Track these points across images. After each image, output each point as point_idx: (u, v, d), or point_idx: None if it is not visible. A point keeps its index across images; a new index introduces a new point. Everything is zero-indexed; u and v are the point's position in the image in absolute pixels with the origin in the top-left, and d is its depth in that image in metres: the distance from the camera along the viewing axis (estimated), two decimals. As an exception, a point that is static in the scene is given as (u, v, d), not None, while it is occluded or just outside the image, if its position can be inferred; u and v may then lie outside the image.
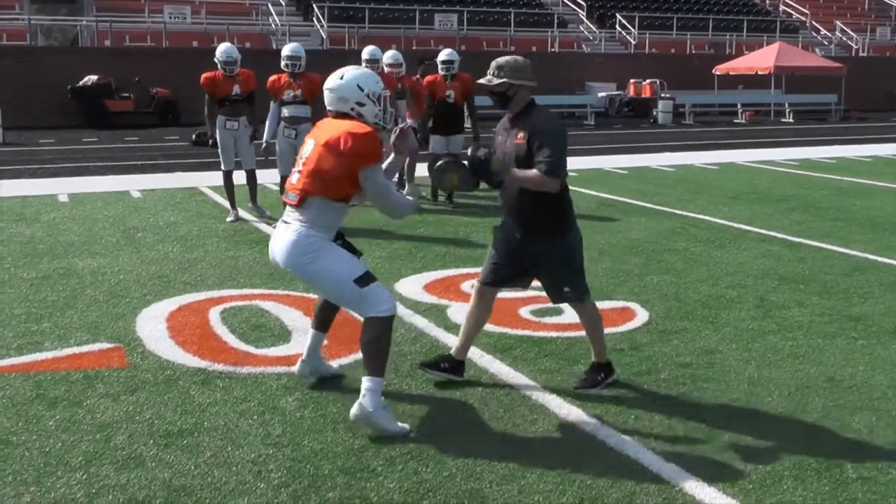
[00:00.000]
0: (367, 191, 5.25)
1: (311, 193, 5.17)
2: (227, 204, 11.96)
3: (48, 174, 16.74)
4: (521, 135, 5.49)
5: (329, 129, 5.26)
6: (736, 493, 4.43)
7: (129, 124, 26.98)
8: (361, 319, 5.30)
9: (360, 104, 5.31)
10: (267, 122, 11.55)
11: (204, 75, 11.57)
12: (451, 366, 5.94)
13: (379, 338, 5.16)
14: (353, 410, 5.07)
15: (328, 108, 5.39)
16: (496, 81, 5.55)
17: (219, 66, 11.50)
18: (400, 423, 5.13)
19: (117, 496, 4.37)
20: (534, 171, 5.38)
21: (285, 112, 11.45)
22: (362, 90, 5.32)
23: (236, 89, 11.46)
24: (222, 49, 11.64)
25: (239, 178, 11.73)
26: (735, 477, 4.58)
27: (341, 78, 5.34)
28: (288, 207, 5.32)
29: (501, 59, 5.61)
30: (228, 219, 11.63)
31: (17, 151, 21.07)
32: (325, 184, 5.15)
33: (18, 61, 27.86)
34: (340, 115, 5.32)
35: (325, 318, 5.83)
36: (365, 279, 5.23)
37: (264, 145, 11.55)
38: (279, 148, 11.49)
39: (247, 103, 11.58)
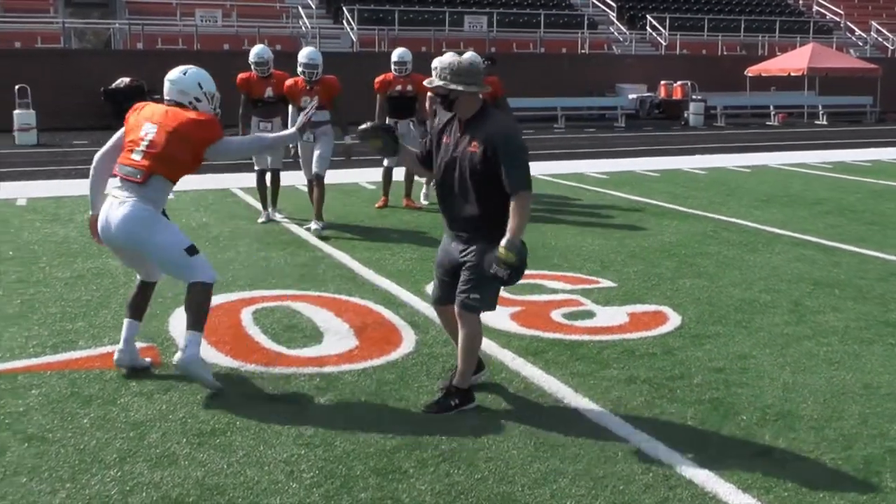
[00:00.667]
0: (219, 159, 6.26)
1: (156, 173, 5.74)
2: (258, 205, 12.01)
3: (81, 175, 16.80)
4: (474, 143, 5.21)
5: (174, 117, 5.82)
6: (771, 500, 4.39)
7: (161, 125, 27.12)
8: (398, 325, 5.29)
9: (197, 100, 5.98)
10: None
11: (240, 76, 11.65)
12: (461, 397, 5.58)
13: (202, 302, 5.80)
14: (176, 358, 5.67)
15: (166, 97, 6.00)
16: (435, 83, 5.28)
17: (252, 67, 11.59)
18: (215, 379, 5.72)
19: (151, 494, 4.39)
20: (514, 208, 5.10)
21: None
22: (201, 88, 6.00)
23: (269, 91, 11.50)
24: (255, 51, 11.72)
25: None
26: (770, 484, 4.54)
27: (184, 73, 6.01)
28: (122, 183, 5.82)
29: (444, 59, 5.28)
30: (260, 220, 11.66)
31: (51, 152, 21.26)
32: (171, 166, 5.79)
33: (52, 64, 28.10)
34: (178, 105, 5.93)
35: (137, 306, 6.19)
36: (193, 249, 5.83)
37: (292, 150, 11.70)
38: (301, 153, 11.46)
39: (283, 103, 11.63)
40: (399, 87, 12.57)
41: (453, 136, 5.38)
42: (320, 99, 10.94)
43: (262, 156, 11.58)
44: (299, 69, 11.20)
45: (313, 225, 11.03)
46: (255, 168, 11.76)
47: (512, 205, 5.13)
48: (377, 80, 12.70)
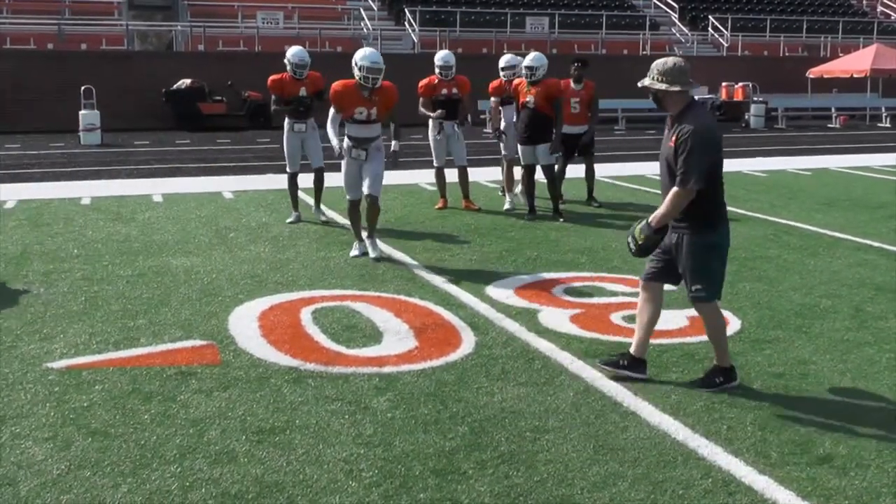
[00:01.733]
0: None
1: None
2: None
3: (143, 175, 17.13)
4: (672, 138, 5.63)
5: None
6: (832, 506, 4.35)
7: (221, 127, 27.47)
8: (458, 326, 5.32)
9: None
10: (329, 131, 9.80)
11: (270, 78, 11.58)
12: (630, 362, 6.05)
13: None
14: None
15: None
16: (645, 82, 5.71)
17: (289, 67, 11.44)
18: None
19: (210, 490, 4.45)
20: (669, 196, 5.60)
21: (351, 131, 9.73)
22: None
23: (302, 91, 11.38)
24: (294, 51, 11.54)
25: (306, 181, 11.87)
26: (831, 492, 4.49)
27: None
28: None
29: (658, 61, 5.72)
30: (289, 220, 11.68)
31: (113, 152, 21.60)
32: None
33: (116, 66, 28.55)
34: None
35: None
36: None
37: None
38: (346, 169, 9.73)
39: (318, 99, 11.46)
40: (445, 91, 12.57)
41: (666, 133, 5.81)
42: (378, 111, 9.58)
43: (294, 159, 11.56)
44: (358, 73, 9.41)
45: (371, 252, 9.64)
46: (288, 171, 11.68)
47: (670, 193, 5.60)
48: (421, 83, 12.68)
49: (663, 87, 5.64)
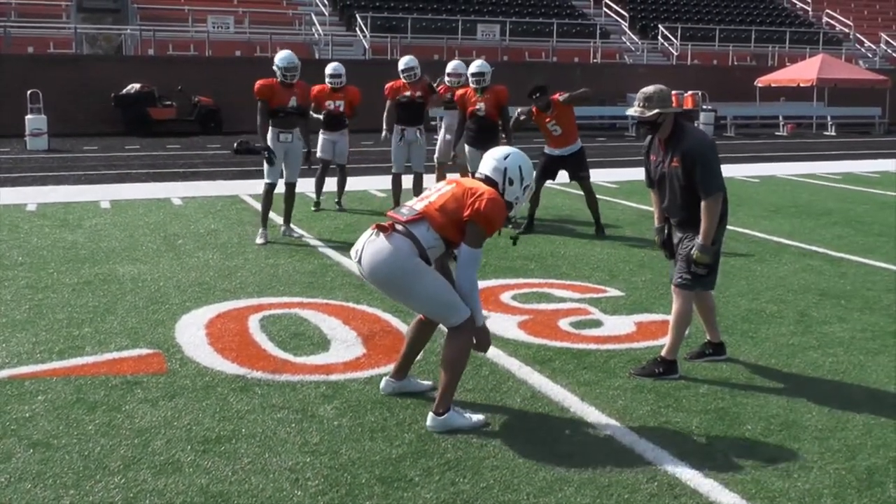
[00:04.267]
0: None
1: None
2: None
3: (91, 181, 16.93)
4: (675, 158, 6.10)
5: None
6: (775, 509, 4.39)
7: (171, 132, 27.23)
8: (403, 331, 5.30)
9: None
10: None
11: (259, 83, 10.88)
12: (714, 349, 6.62)
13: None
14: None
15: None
16: (648, 113, 6.06)
17: (278, 73, 10.89)
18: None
19: (155, 501, 4.40)
20: (704, 211, 6.08)
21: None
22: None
23: (293, 101, 10.88)
24: (284, 56, 11.01)
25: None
26: (775, 494, 4.54)
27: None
28: None
29: (649, 90, 6.10)
30: (258, 241, 10.76)
31: (61, 158, 21.32)
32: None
33: (64, 69, 28.21)
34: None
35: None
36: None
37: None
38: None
39: (302, 116, 11.16)
40: (408, 94, 12.61)
41: (658, 155, 6.30)
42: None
43: (275, 169, 10.86)
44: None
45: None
46: (266, 180, 10.90)
47: (703, 207, 6.09)
48: (387, 86, 12.77)
49: (668, 111, 6.08)
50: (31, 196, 14.46)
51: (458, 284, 5.37)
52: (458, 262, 5.36)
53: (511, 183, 5.54)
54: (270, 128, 10.86)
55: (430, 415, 5.29)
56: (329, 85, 13.01)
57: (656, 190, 6.45)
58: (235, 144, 22.30)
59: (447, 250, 5.49)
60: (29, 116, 23.59)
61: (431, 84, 13.03)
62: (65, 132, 25.36)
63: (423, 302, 5.40)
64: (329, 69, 13.12)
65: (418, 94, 12.60)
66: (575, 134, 11.79)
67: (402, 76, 12.70)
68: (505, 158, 5.57)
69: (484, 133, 11.76)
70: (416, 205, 5.46)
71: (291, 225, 11.39)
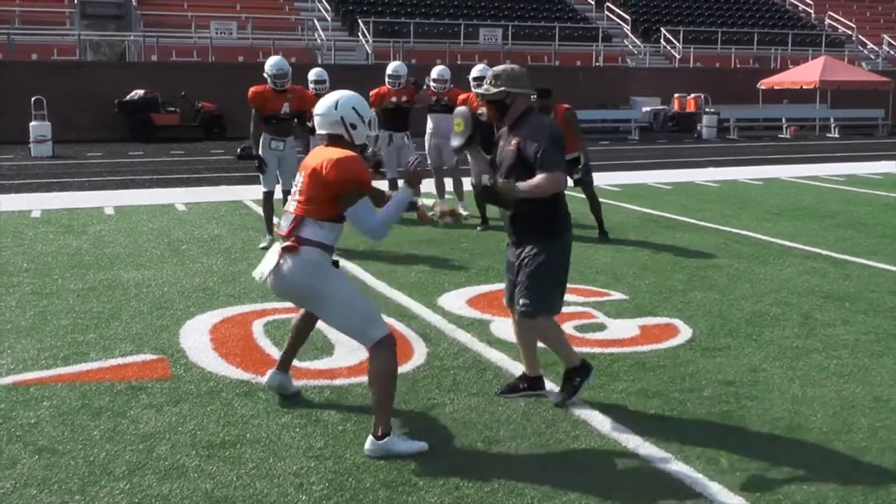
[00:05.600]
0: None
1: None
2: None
3: (95, 187, 16.96)
4: (514, 141, 5.52)
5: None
6: (780, 512, 4.39)
7: (174, 138, 27.29)
8: (409, 337, 5.29)
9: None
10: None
11: (252, 90, 10.95)
12: (530, 384, 5.95)
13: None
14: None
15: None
16: (493, 90, 5.56)
17: (268, 80, 10.82)
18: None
19: (160, 507, 4.41)
20: (538, 177, 5.39)
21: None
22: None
23: (286, 107, 10.83)
24: (273, 62, 10.94)
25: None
26: (779, 497, 4.53)
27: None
28: None
29: (499, 68, 5.63)
30: (262, 244, 10.80)
31: (65, 164, 21.37)
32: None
33: (68, 76, 28.27)
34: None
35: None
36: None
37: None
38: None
39: (299, 122, 11.12)
40: (394, 100, 12.66)
41: (502, 140, 5.72)
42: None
43: (270, 177, 10.89)
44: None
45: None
46: (263, 189, 10.96)
47: (538, 175, 5.39)
48: (372, 92, 12.77)
49: (518, 90, 5.56)
50: (35, 202, 14.48)
51: (379, 233, 5.27)
52: (363, 229, 5.27)
53: (354, 127, 5.33)
54: (264, 135, 10.83)
55: (370, 437, 5.03)
56: (314, 91, 12.90)
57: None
58: (238, 150, 22.31)
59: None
60: (33, 123, 23.66)
61: (418, 81, 13.06)
62: (69, 139, 25.42)
63: (339, 317, 5.22)
64: (313, 75, 13.02)
65: (404, 98, 12.68)
66: (573, 146, 11.41)
67: (387, 81, 12.77)
68: (336, 108, 5.31)
69: (484, 139, 11.67)
70: (290, 209, 5.31)
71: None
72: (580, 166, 11.29)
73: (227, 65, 30.32)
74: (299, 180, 5.32)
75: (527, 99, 5.65)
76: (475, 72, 12.01)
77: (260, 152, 10.83)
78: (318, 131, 5.40)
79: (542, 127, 5.56)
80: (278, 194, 10.91)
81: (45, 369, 6.40)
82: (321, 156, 5.21)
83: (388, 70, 12.87)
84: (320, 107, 5.36)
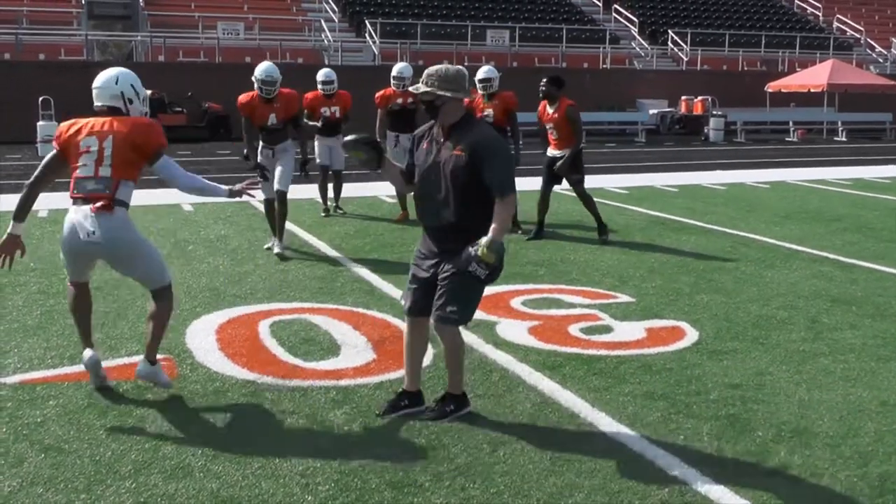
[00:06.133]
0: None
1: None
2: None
3: (102, 186, 16.92)
4: (459, 147, 5.25)
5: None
6: (786, 516, 4.39)
7: (181, 138, 27.28)
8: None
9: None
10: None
11: (240, 99, 10.51)
12: (411, 400, 5.70)
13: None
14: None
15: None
16: (423, 89, 5.32)
17: (255, 85, 10.32)
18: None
19: (166, 506, 4.42)
20: (499, 210, 5.19)
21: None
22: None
23: (272, 119, 10.34)
24: (262, 68, 10.34)
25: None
26: (785, 501, 4.52)
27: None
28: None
29: (432, 68, 5.37)
30: (266, 245, 10.66)
31: (72, 164, 21.35)
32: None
33: (75, 76, 28.26)
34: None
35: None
36: None
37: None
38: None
39: (294, 126, 10.73)
40: (400, 101, 12.67)
41: (434, 143, 5.40)
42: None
43: (268, 184, 10.34)
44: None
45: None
46: (263, 197, 10.48)
47: (497, 206, 5.21)
48: (378, 94, 12.83)
49: (448, 94, 5.27)
50: (42, 202, 14.40)
51: (192, 186, 6.15)
52: (175, 179, 6.11)
53: (131, 101, 6.01)
54: (261, 144, 10.55)
55: (143, 360, 5.88)
56: (322, 92, 13.04)
57: (414, 184, 5.56)
58: (245, 150, 22.40)
59: None
60: (40, 123, 23.71)
61: None
62: (76, 138, 25.37)
63: (146, 268, 5.98)
64: (321, 76, 13.14)
65: (410, 100, 12.66)
66: (571, 141, 11.37)
67: (392, 83, 12.77)
68: (116, 82, 5.97)
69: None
70: (101, 172, 5.83)
71: (284, 242, 10.60)
72: (561, 160, 11.29)
73: (234, 65, 30.30)
74: (96, 146, 5.84)
75: (458, 103, 5.34)
76: (481, 73, 11.98)
77: (259, 160, 10.52)
78: (97, 103, 5.96)
79: (492, 142, 5.30)
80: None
81: (52, 368, 6.42)
82: (123, 124, 5.83)
83: (394, 72, 12.87)
84: (99, 80, 5.96)
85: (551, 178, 11.63)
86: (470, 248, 5.15)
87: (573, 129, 11.29)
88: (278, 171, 10.48)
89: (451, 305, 5.33)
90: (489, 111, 11.68)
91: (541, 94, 11.38)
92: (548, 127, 11.47)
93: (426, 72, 5.36)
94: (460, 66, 5.50)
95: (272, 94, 10.31)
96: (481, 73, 12.01)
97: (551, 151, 11.56)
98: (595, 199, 11.90)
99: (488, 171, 5.19)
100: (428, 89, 5.29)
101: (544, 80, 11.39)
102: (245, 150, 10.96)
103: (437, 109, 5.33)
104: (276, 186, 10.41)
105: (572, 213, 13.56)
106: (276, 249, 10.35)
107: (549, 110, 11.39)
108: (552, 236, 11.73)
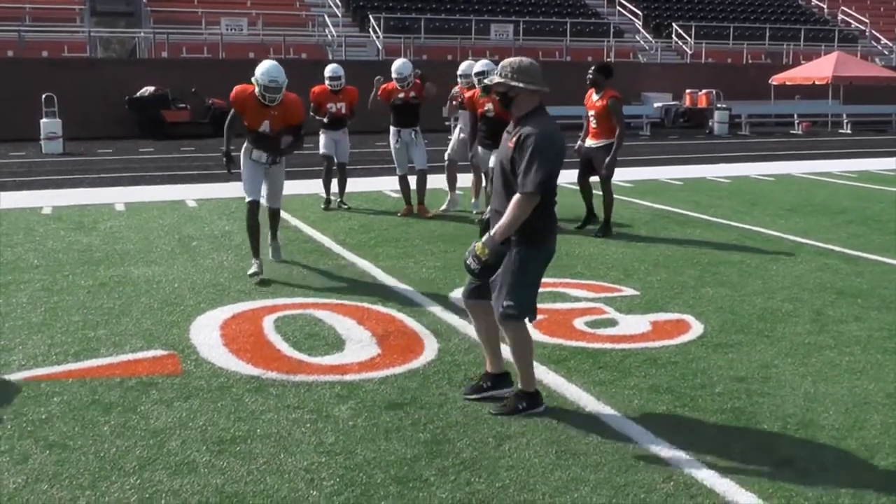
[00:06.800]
0: None
1: None
2: (282, 214, 11.91)
3: (106, 183, 16.98)
4: (512, 140, 5.32)
5: None
6: (793, 509, 4.37)
7: (185, 134, 27.30)
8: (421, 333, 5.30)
9: None
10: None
11: (235, 91, 9.12)
12: (494, 382, 5.83)
13: None
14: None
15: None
16: (496, 79, 5.41)
17: (257, 89, 8.89)
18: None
19: (170, 501, 4.41)
20: (511, 208, 5.22)
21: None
22: None
23: (265, 126, 9.02)
24: (265, 68, 8.89)
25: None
26: (791, 494, 4.51)
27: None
28: None
29: (506, 60, 5.44)
30: (249, 271, 9.11)
31: (75, 161, 21.41)
32: None
33: (78, 73, 28.31)
34: None
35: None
36: None
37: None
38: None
39: (293, 136, 9.26)
40: (402, 95, 12.62)
41: (507, 136, 5.48)
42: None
43: (253, 186, 9.27)
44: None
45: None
46: (247, 199, 9.29)
47: (513, 200, 5.23)
48: (381, 87, 12.78)
49: (521, 85, 5.31)
50: (46, 199, 14.51)
51: None
52: None
53: None
54: (245, 142, 9.26)
55: None
56: (329, 87, 13.08)
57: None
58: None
59: None
60: (44, 120, 23.71)
61: (423, 74, 12.97)
62: (79, 135, 25.43)
63: None
64: (329, 72, 13.22)
65: (412, 94, 12.61)
66: (609, 133, 11.42)
67: (394, 80, 12.71)
68: None
69: (496, 134, 11.57)
70: None
71: (279, 242, 9.95)
72: (596, 150, 11.44)
73: (237, 61, 30.25)
74: None
75: (531, 95, 5.37)
76: (477, 67, 12.01)
77: (241, 158, 9.26)
78: None
79: (538, 137, 5.24)
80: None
81: (56, 365, 6.41)
82: None
83: (394, 72, 12.74)
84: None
85: (587, 170, 11.72)
86: (474, 243, 5.32)
87: (615, 119, 11.32)
88: (269, 185, 9.40)
89: (506, 300, 5.36)
90: (489, 105, 11.57)
91: (588, 82, 11.56)
92: (589, 114, 11.58)
93: (500, 63, 5.47)
94: (533, 60, 5.54)
95: (275, 101, 8.92)
96: (477, 66, 12.03)
97: (589, 142, 11.65)
98: (599, 193, 11.86)
99: (520, 163, 5.22)
100: (501, 80, 5.36)
101: (592, 67, 11.63)
102: (223, 148, 9.39)
103: (511, 101, 5.39)
104: (265, 203, 9.45)
105: (576, 207, 13.52)
106: (254, 270, 9.07)
107: (594, 98, 11.51)
108: (558, 229, 11.69)
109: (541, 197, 5.23)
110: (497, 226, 5.26)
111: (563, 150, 5.43)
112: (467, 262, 5.39)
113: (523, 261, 5.34)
